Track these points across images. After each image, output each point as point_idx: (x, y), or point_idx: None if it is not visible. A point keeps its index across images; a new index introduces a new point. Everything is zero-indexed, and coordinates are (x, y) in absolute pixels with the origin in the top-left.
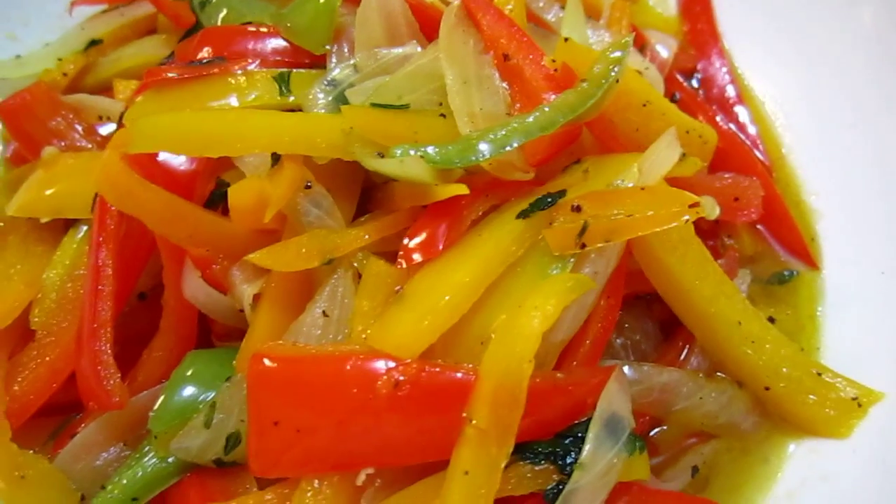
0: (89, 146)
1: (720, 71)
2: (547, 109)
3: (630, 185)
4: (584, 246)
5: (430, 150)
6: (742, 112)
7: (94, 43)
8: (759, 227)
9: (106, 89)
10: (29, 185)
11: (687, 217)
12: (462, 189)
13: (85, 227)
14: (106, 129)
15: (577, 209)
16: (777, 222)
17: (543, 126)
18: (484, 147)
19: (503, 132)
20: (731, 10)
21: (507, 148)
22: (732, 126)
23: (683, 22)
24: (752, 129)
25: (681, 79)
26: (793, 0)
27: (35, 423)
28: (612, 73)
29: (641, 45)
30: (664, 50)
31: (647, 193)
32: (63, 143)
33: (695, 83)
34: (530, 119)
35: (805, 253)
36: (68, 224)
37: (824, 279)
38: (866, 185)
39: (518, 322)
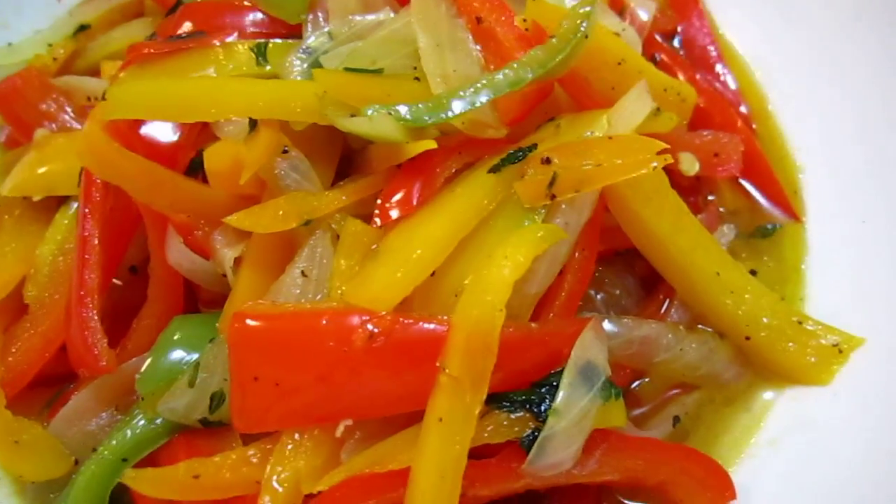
0: (80, 127)
1: (700, 31)
2: (516, 66)
3: (599, 136)
4: (553, 197)
5: (400, 108)
6: (723, 71)
7: (82, 28)
8: (741, 181)
9: (95, 72)
10: (22, 166)
11: (655, 164)
12: (431, 144)
13: (76, 205)
14: None
15: (547, 161)
16: (759, 176)
17: (513, 82)
18: (454, 104)
19: (472, 89)
20: None
21: (477, 104)
22: (715, 84)
23: None
24: (733, 87)
25: (661, 40)
26: None
27: (30, 393)
28: (581, 28)
29: (621, 9)
30: (643, 13)
31: (615, 143)
32: (54, 125)
33: (676, 45)
34: (499, 76)
35: (787, 205)
36: (61, 203)
37: (807, 231)
38: (847, 137)
39: (489, 272)
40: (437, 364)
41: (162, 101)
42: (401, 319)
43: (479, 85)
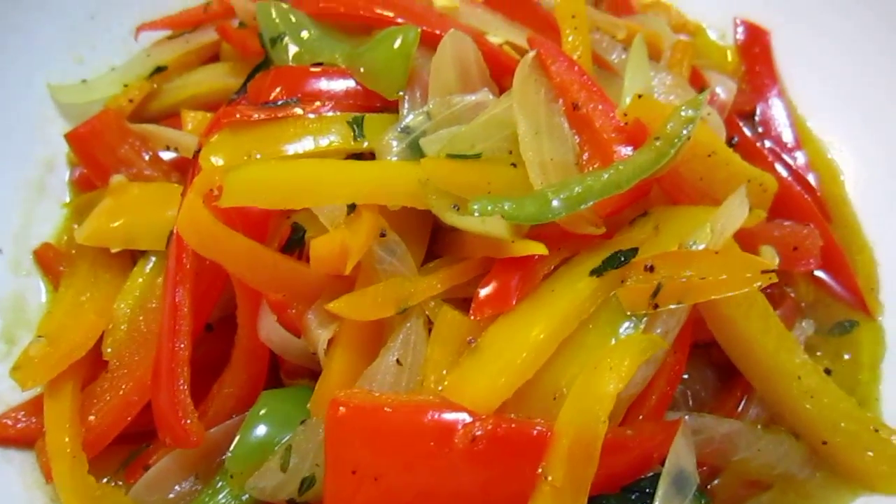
0: (155, 174)
1: (779, 114)
2: (622, 167)
3: (702, 245)
4: (656, 306)
5: (506, 206)
6: (801, 157)
7: (159, 69)
8: (817, 273)
9: (169, 115)
10: (98, 214)
11: (759, 284)
12: (541, 249)
13: (154, 259)
14: (168, 156)
15: (651, 269)
16: (835, 271)
17: (619, 184)
18: (559, 205)
19: (578, 189)
20: (790, 53)
21: (583, 206)
22: (792, 167)
23: (742, 62)
24: (810, 175)
25: (739, 122)
26: (854, 44)
27: (106, 451)
28: (685, 132)
29: (702, 89)
30: (723, 92)
31: (720, 257)
32: (131, 171)
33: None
34: (605, 177)
35: (862, 303)
36: (134, 252)
37: (884, 329)
38: None
39: (594, 382)
40: (539, 471)
41: (273, 189)
42: (503, 423)
43: (584, 186)
